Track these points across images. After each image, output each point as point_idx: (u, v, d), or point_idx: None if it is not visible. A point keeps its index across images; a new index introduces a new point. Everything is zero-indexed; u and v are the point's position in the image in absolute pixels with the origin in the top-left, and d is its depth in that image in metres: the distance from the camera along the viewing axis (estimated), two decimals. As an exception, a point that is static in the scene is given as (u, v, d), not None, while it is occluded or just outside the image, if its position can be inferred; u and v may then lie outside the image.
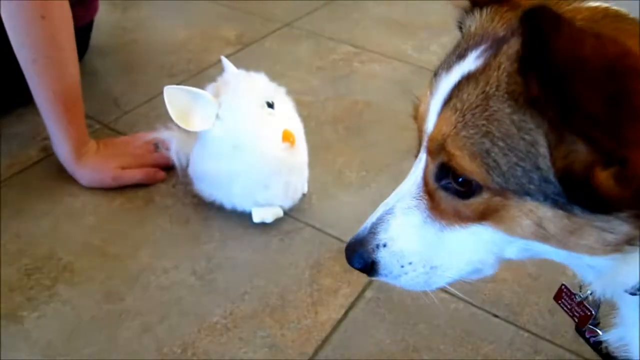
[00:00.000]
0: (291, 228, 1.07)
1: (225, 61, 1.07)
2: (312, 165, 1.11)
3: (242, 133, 0.97)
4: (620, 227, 0.45)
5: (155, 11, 1.84)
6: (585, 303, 0.70)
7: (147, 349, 0.86)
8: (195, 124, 0.96)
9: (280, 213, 1.06)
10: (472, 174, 0.47)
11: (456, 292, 0.95)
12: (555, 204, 0.45)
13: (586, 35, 0.38)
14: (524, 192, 0.46)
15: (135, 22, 1.75)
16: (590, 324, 0.70)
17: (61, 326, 0.89)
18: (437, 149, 0.49)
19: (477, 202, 0.49)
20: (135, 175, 1.12)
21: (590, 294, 0.69)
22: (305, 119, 1.35)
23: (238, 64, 1.55)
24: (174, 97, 0.95)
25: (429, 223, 0.53)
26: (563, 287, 0.74)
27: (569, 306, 0.74)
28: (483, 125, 0.47)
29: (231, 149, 0.98)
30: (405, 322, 0.92)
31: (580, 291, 0.71)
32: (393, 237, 0.55)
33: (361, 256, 0.56)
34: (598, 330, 0.69)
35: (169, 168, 1.15)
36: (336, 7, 1.93)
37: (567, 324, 0.92)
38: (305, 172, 1.09)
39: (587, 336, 0.73)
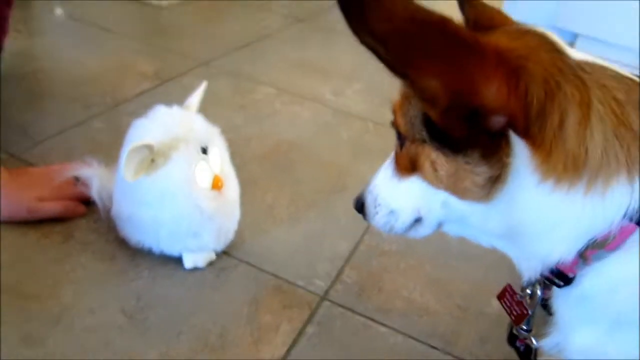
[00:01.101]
0: (225, 265, 1.04)
1: (196, 96, 1.04)
2: (242, 202, 1.09)
3: (172, 181, 0.92)
4: (480, 167, 0.54)
5: (64, 41, 1.76)
6: (523, 302, 0.74)
7: (74, 397, 0.78)
8: (135, 175, 0.89)
9: (213, 257, 1.03)
10: (399, 126, 0.60)
11: (394, 326, 0.97)
12: (437, 147, 0.56)
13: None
14: (422, 140, 0.57)
15: (43, 50, 1.66)
16: (524, 329, 0.74)
17: (-31, 376, 0.78)
18: (392, 113, 0.62)
19: (406, 151, 0.61)
20: (53, 207, 1.03)
21: (530, 293, 0.73)
22: (231, 155, 1.33)
23: (156, 99, 1.51)
24: (135, 156, 0.88)
25: (394, 175, 0.65)
26: (507, 286, 0.78)
27: (508, 304, 0.77)
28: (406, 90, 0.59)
29: (159, 197, 0.92)
30: (348, 357, 0.91)
31: (522, 292, 0.76)
32: (375, 185, 0.68)
33: (358, 200, 0.72)
34: (532, 339, 0.73)
35: (89, 202, 1.07)
36: (253, 50, 1.95)
37: (498, 352, 0.96)
38: (237, 214, 1.06)
39: (518, 345, 0.77)
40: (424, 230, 0.66)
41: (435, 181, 0.59)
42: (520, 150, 0.52)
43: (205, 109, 1.50)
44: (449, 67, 0.46)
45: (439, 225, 0.66)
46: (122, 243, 1.02)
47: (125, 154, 0.86)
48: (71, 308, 0.90)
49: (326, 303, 1.00)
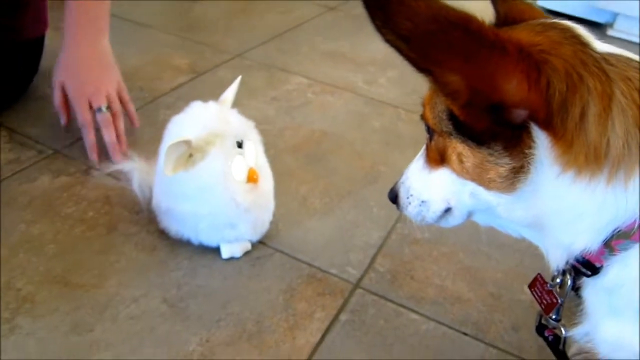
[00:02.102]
0: (261, 254, 1.07)
1: (231, 90, 1.07)
2: (276, 193, 1.12)
3: (209, 176, 0.95)
4: (503, 159, 0.55)
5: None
6: (553, 291, 0.75)
7: (121, 381, 0.83)
8: (174, 170, 0.93)
9: (249, 247, 1.06)
10: (428, 120, 0.62)
11: (426, 313, 0.99)
12: (462, 140, 0.58)
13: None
14: (449, 133, 0.59)
15: (83, 48, 1.71)
16: (553, 318, 0.74)
17: (25, 361, 0.84)
18: (422, 107, 0.64)
19: (434, 145, 0.63)
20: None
21: (560, 282, 0.74)
22: (265, 147, 1.36)
23: (192, 93, 1.57)
24: (173, 151, 0.91)
25: (424, 167, 0.67)
26: (538, 276, 0.79)
27: (539, 294, 0.78)
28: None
29: (197, 191, 0.96)
30: (381, 344, 0.93)
31: (552, 281, 0.76)
32: (407, 177, 0.71)
33: (392, 191, 0.75)
34: (562, 328, 0.73)
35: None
36: (285, 41, 1.97)
37: (531, 340, 0.97)
38: (271, 205, 1.09)
39: (546, 334, 0.78)
40: (454, 220, 0.68)
41: (463, 172, 0.60)
42: (542, 142, 0.53)
43: (239, 102, 1.54)
44: (468, 63, 0.48)
45: (469, 214, 0.68)
46: (163, 234, 1.06)
47: (164, 149, 0.90)
48: (116, 297, 0.95)
49: (359, 291, 1.02)
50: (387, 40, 0.48)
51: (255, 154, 1.03)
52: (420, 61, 0.49)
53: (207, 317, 0.94)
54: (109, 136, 1.21)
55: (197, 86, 1.60)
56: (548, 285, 0.77)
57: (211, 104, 1.00)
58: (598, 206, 0.52)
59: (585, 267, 0.58)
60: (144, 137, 1.34)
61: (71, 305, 0.92)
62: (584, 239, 0.55)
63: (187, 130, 0.95)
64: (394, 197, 0.75)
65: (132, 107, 1.31)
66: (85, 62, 1.23)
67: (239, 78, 1.08)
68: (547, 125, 0.51)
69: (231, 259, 1.04)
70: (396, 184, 0.75)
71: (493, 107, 0.51)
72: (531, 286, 0.80)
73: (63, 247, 1.02)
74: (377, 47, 1.99)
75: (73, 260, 1.00)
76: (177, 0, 2.19)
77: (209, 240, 1.02)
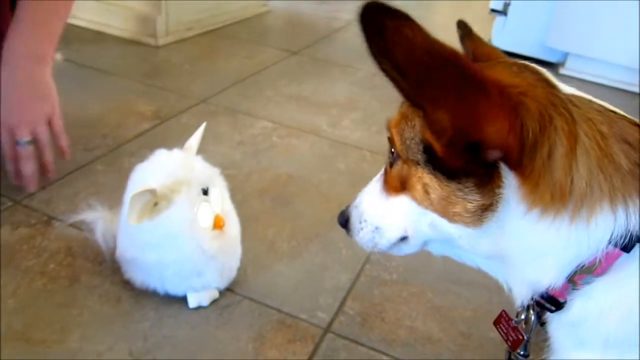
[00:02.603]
0: (229, 302, 1.05)
1: (196, 137, 1.06)
2: (243, 237, 1.11)
3: (175, 224, 0.94)
4: (473, 196, 0.55)
5: (63, 85, 1.79)
6: (519, 327, 0.75)
7: None
8: (139, 219, 0.92)
9: (217, 295, 1.04)
10: (395, 144, 0.60)
11: (398, 356, 0.99)
12: (431, 171, 0.57)
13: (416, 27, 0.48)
14: (416, 162, 0.58)
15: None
16: (521, 354, 0.74)
17: None
18: (388, 129, 0.63)
19: (397, 170, 0.62)
20: None
21: (524, 318, 0.75)
22: (231, 192, 1.36)
23: (156, 140, 1.56)
24: (138, 200, 0.90)
25: (381, 192, 0.66)
26: (503, 312, 0.79)
27: (505, 330, 0.78)
28: (405, 111, 0.61)
29: (162, 239, 0.95)
30: (353, 389, 0.92)
31: (517, 317, 0.77)
32: (361, 201, 0.69)
33: (342, 215, 0.72)
34: None
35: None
36: (249, 86, 2.00)
37: (502, 379, 0.97)
38: (238, 251, 1.09)
39: None
40: (408, 249, 0.67)
41: (426, 203, 0.59)
42: (510, 182, 0.54)
43: (205, 148, 1.54)
44: (459, 103, 0.49)
45: (425, 244, 0.67)
46: (127, 285, 1.04)
47: (128, 199, 0.89)
48: (79, 352, 0.91)
49: (330, 335, 1.01)
50: (383, 70, 0.49)
51: (221, 200, 1.03)
52: (415, 96, 0.50)
53: (175, 369, 0.91)
54: (26, 170, 1.20)
55: (162, 133, 1.60)
56: (513, 321, 0.77)
57: (176, 152, 1.00)
58: (563, 244, 0.54)
59: (550, 302, 0.59)
60: (108, 186, 1.32)
61: (31, 364, 0.89)
62: (549, 275, 0.56)
63: (152, 178, 0.95)
64: (344, 222, 0.72)
65: (63, 139, 1.26)
66: (15, 90, 1.17)
67: (204, 125, 1.09)
68: (517, 166, 0.53)
69: (199, 308, 1.02)
70: (347, 207, 0.72)
71: (471, 146, 0.52)
72: (496, 323, 0.81)
73: (23, 301, 0.99)
74: (340, 90, 2.04)
75: (34, 314, 0.97)
76: (141, 47, 2.20)
77: (176, 289, 1.01)
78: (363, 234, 0.68)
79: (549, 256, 0.55)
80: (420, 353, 1.00)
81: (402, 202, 0.62)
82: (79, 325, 0.96)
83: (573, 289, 0.56)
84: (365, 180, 1.57)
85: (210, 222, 0.98)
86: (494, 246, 0.59)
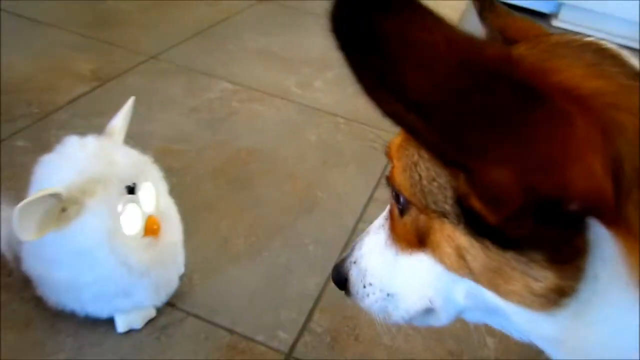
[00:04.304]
0: (169, 321, 0.86)
1: (121, 117, 0.82)
2: (191, 232, 0.92)
3: (89, 236, 0.73)
4: (542, 272, 0.36)
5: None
6: None
7: None
8: (40, 231, 0.70)
9: (153, 313, 0.85)
10: (400, 186, 0.43)
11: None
12: (469, 231, 0.39)
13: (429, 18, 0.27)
14: (442, 213, 0.40)
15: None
16: None
17: None
18: (387, 158, 0.46)
19: (409, 220, 0.44)
20: None
21: None
22: (179, 173, 1.15)
23: (93, 106, 1.32)
24: (35, 209, 0.68)
25: (388, 245, 0.48)
26: None
27: None
28: None
29: (73, 255, 0.74)
30: None
31: None
32: (362, 255, 0.52)
33: (338, 272, 0.54)
34: None
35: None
36: (208, 38, 1.74)
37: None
38: (180, 258, 0.89)
39: None
40: (436, 321, 0.48)
41: (461, 271, 0.41)
42: (603, 246, 0.34)
43: (152, 115, 1.31)
44: (525, 144, 0.28)
45: (459, 314, 0.48)
46: (40, 303, 0.83)
47: (17, 209, 0.67)
48: (-30, 401, 0.72)
49: (292, 363, 0.83)
50: (390, 114, 0.28)
51: (155, 198, 0.81)
52: (451, 151, 0.29)
53: (94, 420, 0.72)
54: None
55: (100, 98, 1.36)
56: None
57: (90, 141, 0.77)
58: None
59: None
60: (29, 168, 1.09)
61: None
62: None
63: (57, 177, 0.73)
64: (342, 282, 0.54)
65: None
66: None
67: (132, 100, 0.85)
68: (614, 220, 0.32)
69: (130, 331, 0.83)
70: (343, 260, 0.54)
71: (543, 207, 0.31)
72: None
73: None
74: (313, 44, 1.78)
75: None
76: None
77: (98, 312, 0.81)
78: (370, 302, 0.51)
79: None
80: (402, 383, 0.83)
81: (423, 264, 0.44)
82: (-26, 361, 0.77)
83: None
84: (339, 156, 1.35)
85: (139, 228, 0.77)
86: (564, 334, 0.39)
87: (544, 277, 0.35)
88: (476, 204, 0.34)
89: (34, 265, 0.78)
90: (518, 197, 0.30)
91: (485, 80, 0.26)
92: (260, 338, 0.86)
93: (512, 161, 0.29)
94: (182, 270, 0.90)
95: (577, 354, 0.41)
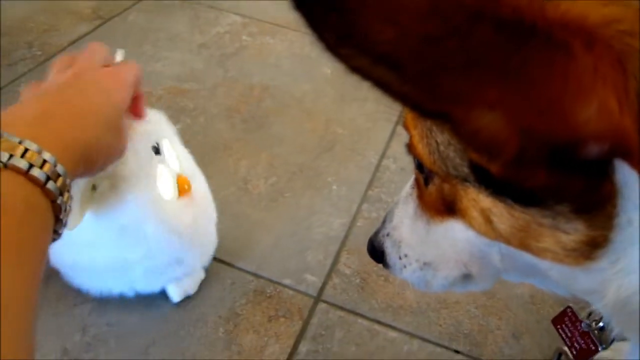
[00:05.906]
0: (192, 268, 0.83)
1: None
2: (209, 175, 0.87)
3: (133, 209, 0.66)
4: (571, 224, 0.35)
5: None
6: (590, 334, 0.57)
7: None
8: (78, 218, 0.62)
9: (203, 275, 0.81)
10: (420, 155, 0.42)
11: (407, 328, 0.79)
12: (492, 192, 0.37)
13: None
14: (463, 178, 0.39)
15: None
16: None
17: None
18: (405, 129, 0.44)
19: (433, 189, 0.43)
20: None
21: (602, 326, 0.56)
22: (192, 114, 1.10)
23: (98, 45, 1.25)
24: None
25: (418, 215, 0.48)
26: (568, 310, 0.61)
27: (569, 334, 0.61)
28: None
29: (118, 233, 0.68)
30: (353, 381, 0.73)
31: (588, 319, 0.58)
32: (394, 227, 0.52)
33: (373, 245, 0.55)
34: None
35: None
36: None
37: (534, 348, 0.78)
38: (211, 208, 0.82)
39: None
40: (476, 286, 0.49)
41: (490, 234, 0.39)
42: (637, 190, 0.31)
43: (158, 54, 1.25)
44: (516, 87, 0.25)
45: (497, 277, 0.48)
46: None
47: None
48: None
49: (322, 306, 0.81)
50: (356, 69, 0.26)
51: (175, 153, 0.75)
52: (427, 100, 0.26)
53: (122, 371, 0.71)
54: None
55: (103, 37, 1.29)
56: (582, 324, 0.57)
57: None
58: None
59: None
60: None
61: None
62: None
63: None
64: (378, 254, 0.54)
65: None
66: None
67: (121, 53, 0.75)
68: None
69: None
70: (376, 233, 0.54)
71: (556, 151, 0.27)
72: (557, 322, 0.61)
73: None
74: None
75: None
76: None
77: (150, 287, 0.76)
78: (409, 273, 0.51)
79: None
80: (434, 323, 0.80)
81: (454, 231, 0.43)
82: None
83: None
84: (356, 89, 1.28)
85: (173, 191, 0.72)
86: (603, 286, 0.37)
87: (574, 229, 0.34)
88: (474, 156, 0.33)
89: (63, 253, 0.73)
90: (514, 142, 0.28)
91: (461, 23, 0.24)
92: (287, 282, 0.83)
93: (500, 104, 0.26)
94: (215, 221, 0.85)
95: (619, 304, 0.39)
